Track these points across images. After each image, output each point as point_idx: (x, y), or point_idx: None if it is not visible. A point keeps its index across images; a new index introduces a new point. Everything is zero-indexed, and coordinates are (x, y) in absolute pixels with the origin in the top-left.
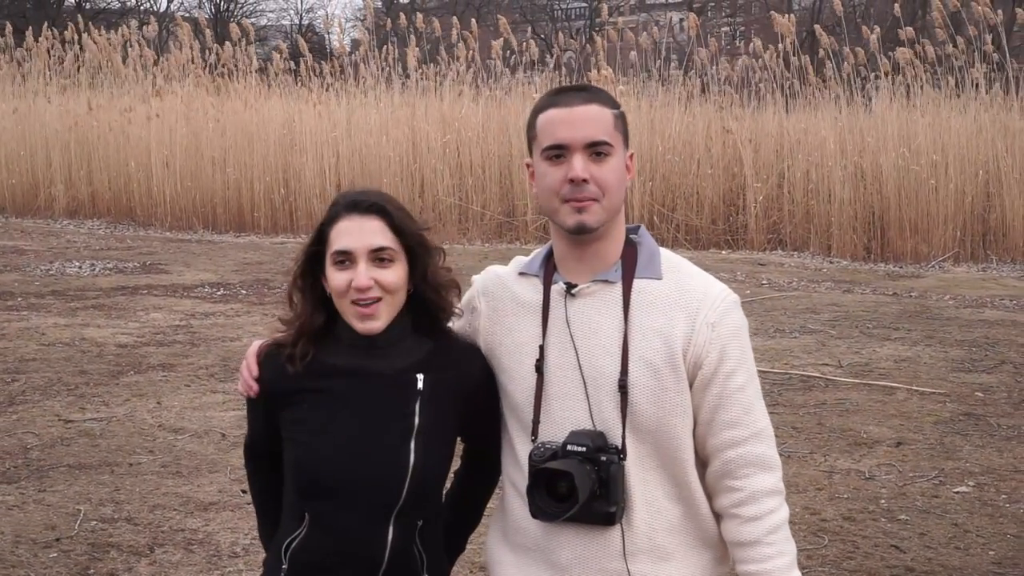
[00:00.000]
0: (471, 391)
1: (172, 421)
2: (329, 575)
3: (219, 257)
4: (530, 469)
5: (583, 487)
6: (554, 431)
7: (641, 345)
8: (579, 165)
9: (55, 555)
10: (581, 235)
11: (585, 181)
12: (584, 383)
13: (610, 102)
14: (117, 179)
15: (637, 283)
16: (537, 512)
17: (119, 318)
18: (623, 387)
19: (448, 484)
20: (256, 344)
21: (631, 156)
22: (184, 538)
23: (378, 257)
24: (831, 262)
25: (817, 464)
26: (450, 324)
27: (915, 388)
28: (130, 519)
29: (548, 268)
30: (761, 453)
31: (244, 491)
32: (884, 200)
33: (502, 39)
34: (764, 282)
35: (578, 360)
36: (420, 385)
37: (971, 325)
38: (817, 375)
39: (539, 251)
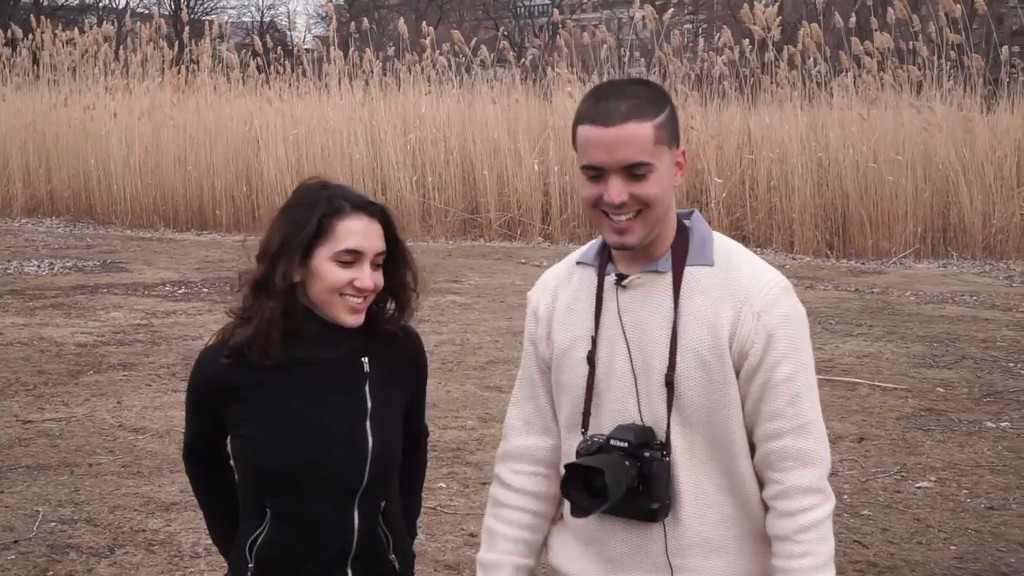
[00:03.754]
0: (410, 367)
1: (133, 421)
2: (298, 568)
3: (180, 255)
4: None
5: (616, 483)
6: (603, 424)
7: (689, 336)
8: (615, 190)
9: (13, 557)
10: (623, 251)
11: (623, 204)
12: (635, 376)
13: (652, 109)
14: (76, 177)
15: (688, 271)
16: (573, 507)
17: (79, 317)
18: (669, 382)
19: None
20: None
21: (682, 152)
22: (145, 539)
23: (376, 262)
24: (794, 259)
25: None
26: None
27: (877, 384)
28: (90, 520)
29: (603, 257)
30: (803, 447)
31: None
32: (845, 197)
33: (471, 40)
34: None
35: (629, 353)
36: (367, 368)
37: (932, 321)
38: None
39: (598, 239)
